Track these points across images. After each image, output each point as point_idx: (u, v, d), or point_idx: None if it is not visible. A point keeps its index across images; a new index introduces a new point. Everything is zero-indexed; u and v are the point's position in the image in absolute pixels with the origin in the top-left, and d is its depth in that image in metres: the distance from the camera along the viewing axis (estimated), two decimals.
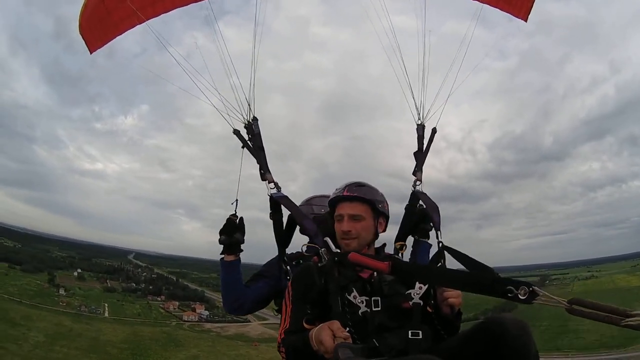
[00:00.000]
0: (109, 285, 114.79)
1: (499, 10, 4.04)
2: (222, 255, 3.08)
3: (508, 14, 4.07)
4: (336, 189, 2.79)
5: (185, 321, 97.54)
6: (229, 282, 3.07)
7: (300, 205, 3.36)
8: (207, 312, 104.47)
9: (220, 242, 3.05)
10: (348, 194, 2.68)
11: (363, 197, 2.67)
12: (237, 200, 3.14)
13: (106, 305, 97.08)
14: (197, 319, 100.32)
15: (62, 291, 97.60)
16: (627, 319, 1.61)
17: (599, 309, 1.69)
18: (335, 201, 2.74)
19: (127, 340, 72.63)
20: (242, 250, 3.11)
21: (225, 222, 3.07)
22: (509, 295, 1.83)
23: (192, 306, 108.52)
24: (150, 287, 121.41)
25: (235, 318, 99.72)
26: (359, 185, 2.74)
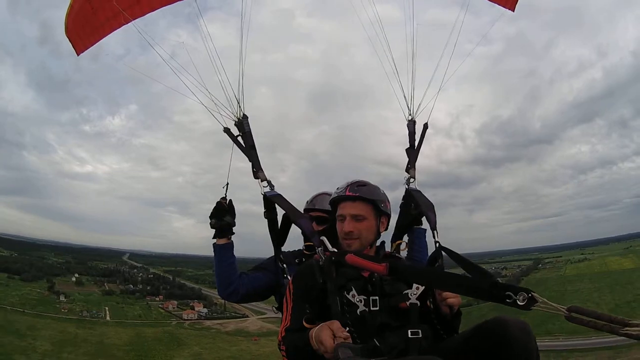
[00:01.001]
0: (107, 288, 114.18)
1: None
2: (214, 240, 3.04)
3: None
4: (338, 189, 2.72)
5: (185, 320, 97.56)
6: (222, 266, 3.02)
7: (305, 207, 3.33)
8: (205, 310, 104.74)
9: (211, 226, 3.00)
10: (350, 193, 2.61)
11: (365, 197, 2.60)
12: (227, 184, 3.09)
13: (107, 308, 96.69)
14: (196, 317, 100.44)
15: (62, 297, 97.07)
16: (626, 328, 1.61)
17: (597, 318, 1.69)
18: (337, 201, 2.68)
19: (131, 342, 73.00)
20: (233, 233, 3.06)
21: (215, 205, 3.02)
22: (508, 300, 1.80)
23: (191, 304, 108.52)
24: (148, 288, 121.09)
25: (233, 314, 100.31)
26: (361, 184, 2.67)
